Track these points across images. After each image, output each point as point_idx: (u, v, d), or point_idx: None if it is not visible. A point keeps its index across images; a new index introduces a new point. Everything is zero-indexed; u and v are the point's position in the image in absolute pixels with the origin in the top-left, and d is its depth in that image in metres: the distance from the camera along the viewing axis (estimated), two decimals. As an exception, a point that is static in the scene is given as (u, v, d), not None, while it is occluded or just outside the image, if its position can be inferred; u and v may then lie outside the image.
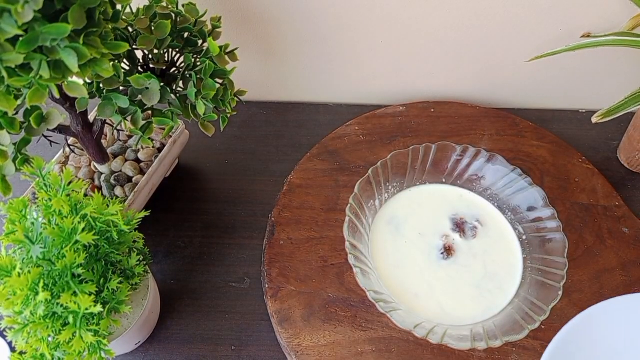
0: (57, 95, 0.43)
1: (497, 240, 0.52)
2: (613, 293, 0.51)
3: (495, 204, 0.54)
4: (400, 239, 0.52)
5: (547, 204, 0.49)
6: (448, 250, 0.51)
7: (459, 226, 0.53)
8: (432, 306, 0.48)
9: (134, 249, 0.45)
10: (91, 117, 0.53)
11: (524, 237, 0.51)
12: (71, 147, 0.56)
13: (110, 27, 0.36)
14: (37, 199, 0.45)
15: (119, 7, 0.38)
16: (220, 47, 0.46)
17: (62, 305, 0.37)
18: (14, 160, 0.40)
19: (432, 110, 0.67)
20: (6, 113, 0.36)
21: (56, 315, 0.37)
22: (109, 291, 0.41)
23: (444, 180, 0.55)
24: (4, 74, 0.31)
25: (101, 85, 0.42)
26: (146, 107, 0.43)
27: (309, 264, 0.54)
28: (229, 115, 0.49)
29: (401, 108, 0.67)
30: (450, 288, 0.50)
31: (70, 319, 0.37)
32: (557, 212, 0.48)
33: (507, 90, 0.70)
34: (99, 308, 0.37)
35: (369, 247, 0.51)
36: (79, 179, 0.56)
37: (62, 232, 0.37)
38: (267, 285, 0.53)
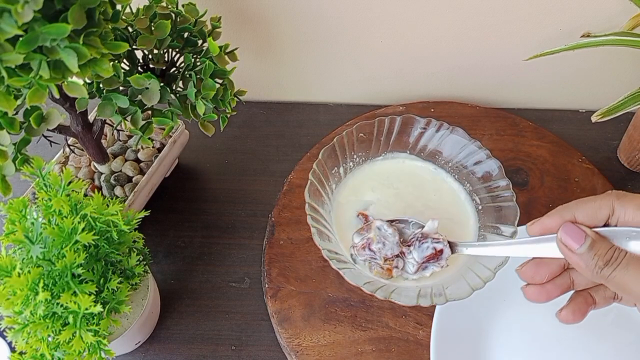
0: (56, 95, 0.43)
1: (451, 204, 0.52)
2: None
3: (456, 176, 0.54)
4: (362, 208, 0.52)
5: (503, 175, 0.49)
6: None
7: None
8: None
9: (134, 249, 0.45)
10: (91, 117, 0.53)
11: (480, 207, 0.51)
12: (71, 147, 0.56)
13: (110, 27, 0.36)
14: (37, 199, 0.45)
15: (118, 7, 0.38)
16: (220, 47, 0.46)
17: (62, 305, 0.37)
18: (13, 160, 0.40)
19: (432, 110, 0.67)
20: (6, 113, 0.36)
21: (56, 315, 0.38)
22: (108, 291, 0.41)
23: (408, 152, 0.55)
24: (4, 74, 0.31)
25: (101, 85, 0.42)
26: (146, 107, 0.43)
27: (308, 264, 0.54)
28: (228, 115, 0.49)
29: (401, 108, 0.67)
30: None
31: (70, 319, 0.37)
32: (511, 183, 0.49)
33: (507, 90, 0.70)
34: (98, 308, 0.37)
35: (332, 214, 0.51)
36: (79, 179, 0.56)
37: (62, 232, 0.37)
38: (267, 285, 0.53)
